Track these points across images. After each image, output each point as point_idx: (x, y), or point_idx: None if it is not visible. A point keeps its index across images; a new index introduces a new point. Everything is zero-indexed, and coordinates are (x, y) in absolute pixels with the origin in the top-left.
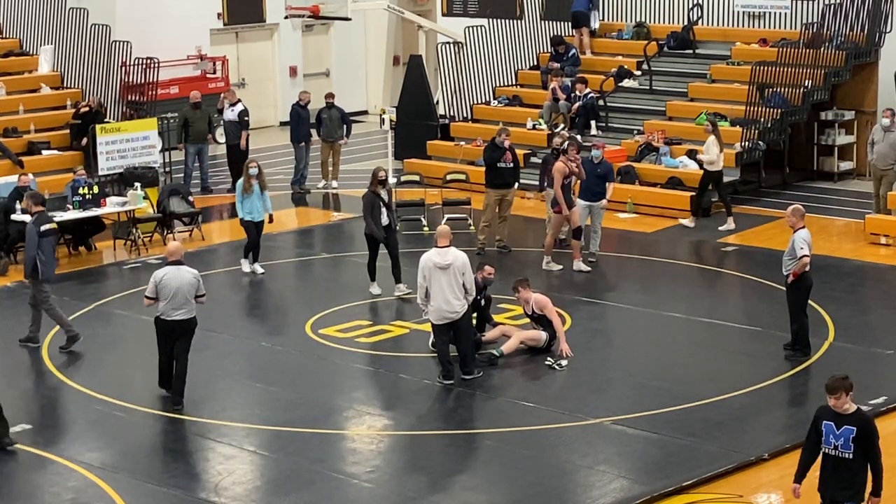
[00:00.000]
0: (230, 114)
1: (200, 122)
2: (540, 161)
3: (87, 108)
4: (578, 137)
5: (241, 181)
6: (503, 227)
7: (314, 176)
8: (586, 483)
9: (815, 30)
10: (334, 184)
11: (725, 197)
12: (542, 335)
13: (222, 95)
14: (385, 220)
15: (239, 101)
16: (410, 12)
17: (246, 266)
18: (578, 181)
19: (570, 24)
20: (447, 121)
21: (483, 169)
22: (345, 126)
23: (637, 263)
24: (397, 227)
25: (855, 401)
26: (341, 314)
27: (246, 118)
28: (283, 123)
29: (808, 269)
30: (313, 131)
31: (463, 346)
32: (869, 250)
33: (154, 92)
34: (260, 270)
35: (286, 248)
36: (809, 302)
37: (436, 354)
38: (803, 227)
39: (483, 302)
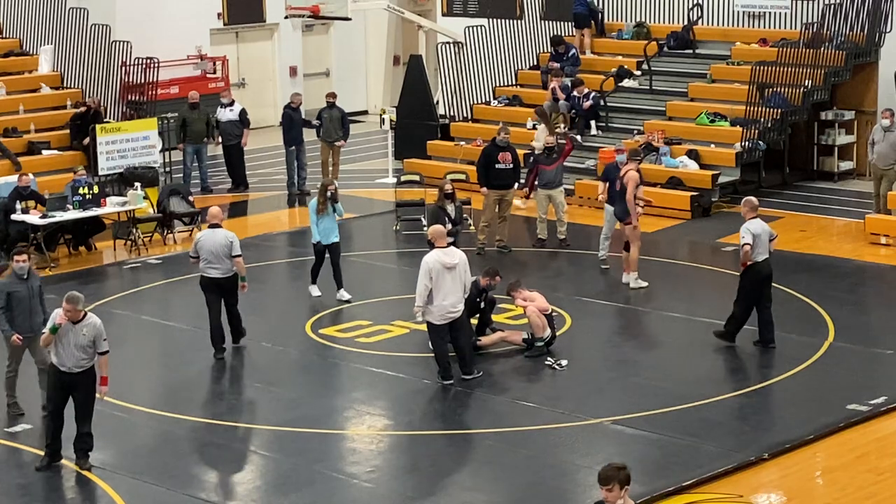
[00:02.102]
0: (228, 114)
1: (198, 122)
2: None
3: (84, 109)
4: (578, 138)
5: (313, 201)
6: (503, 227)
7: (314, 176)
8: (586, 483)
9: (815, 30)
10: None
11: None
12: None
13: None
14: (449, 238)
15: (234, 101)
16: (410, 12)
17: (315, 291)
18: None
19: (570, 24)
20: (447, 121)
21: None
22: (344, 127)
23: (637, 263)
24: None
25: (631, 496)
26: (341, 314)
27: (248, 118)
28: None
29: (760, 259)
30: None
31: (462, 345)
32: (869, 250)
33: (154, 92)
34: (346, 296)
35: (286, 248)
36: (809, 301)
37: (435, 354)
38: (754, 217)
39: (483, 305)
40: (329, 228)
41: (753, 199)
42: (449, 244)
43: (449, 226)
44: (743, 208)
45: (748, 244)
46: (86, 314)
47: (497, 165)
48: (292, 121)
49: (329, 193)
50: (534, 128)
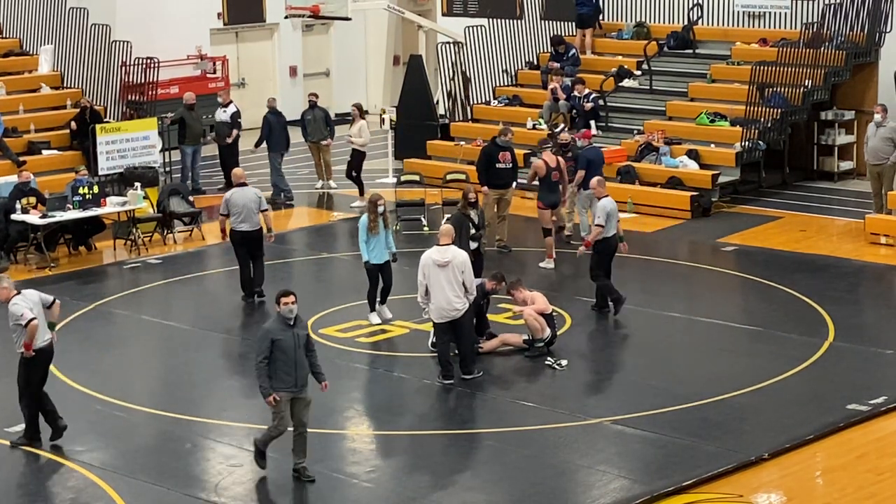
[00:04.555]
0: (223, 115)
1: (196, 123)
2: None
3: (79, 110)
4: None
5: (363, 219)
6: (502, 227)
7: (310, 177)
8: (586, 483)
9: (815, 30)
10: (332, 184)
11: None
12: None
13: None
14: (473, 244)
15: (231, 101)
16: (410, 12)
17: (375, 318)
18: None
19: (571, 23)
20: (447, 121)
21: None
22: (329, 127)
23: (637, 263)
24: (478, 247)
25: None
26: (341, 314)
27: (239, 119)
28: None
29: (610, 234)
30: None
31: (464, 345)
32: (869, 250)
33: (154, 92)
34: (388, 315)
35: (287, 248)
36: (809, 301)
37: (436, 354)
38: (606, 195)
39: (486, 307)
40: (381, 247)
41: (603, 179)
42: (465, 247)
43: (472, 231)
44: (598, 188)
45: (601, 225)
46: (19, 293)
47: (497, 165)
48: (271, 126)
49: (379, 209)
50: (534, 128)
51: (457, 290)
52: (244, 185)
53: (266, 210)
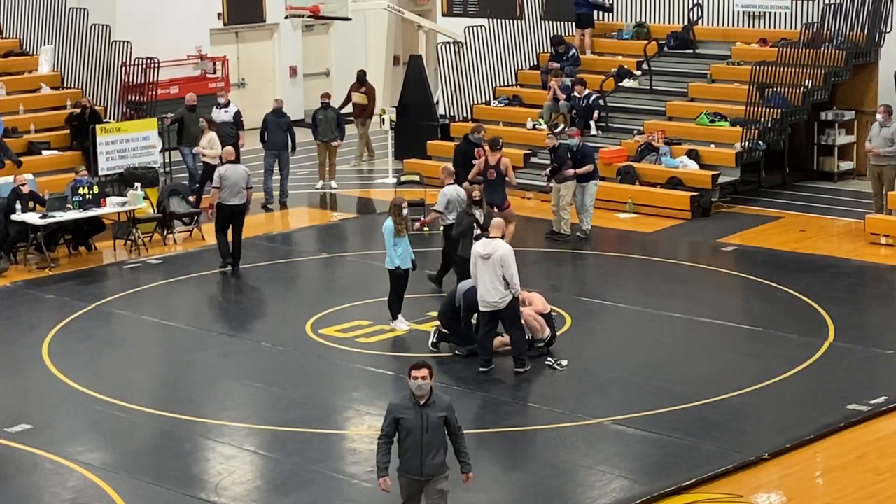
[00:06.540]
0: (223, 115)
1: (194, 124)
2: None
3: (79, 110)
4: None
5: (389, 222)
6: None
7: (311, 178)
8: (586, 483)
9: (815, 30)
10: (333, 184)
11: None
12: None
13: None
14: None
15: (230, 102)
16: (410, 12)
17: (402, 324)
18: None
19: (571, 23)
20: (447, 121)
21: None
22: (339, 127)
23: (637, 263)
24: None
25: None
26: (341, 314)
27: (241, 119)
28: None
29: (444, 222)
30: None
31: (513, 336)
32: (869, 250)
33: (154, 92)
34: (405, 327)
35: (287, 248)
36: (809, 301)
37: (436, 354)
38: (451, 184)
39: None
40: (406, 252)
41: (450, 166)
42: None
43: (477, 231)
44: (441, 176)
45: (440, 211)
46: None
47: (473, 161)
48: (268, 125)
49: (405, 213)
50: (534, 128)
51: (496, 282)
52: (234, 161)
53: (251, 188)
